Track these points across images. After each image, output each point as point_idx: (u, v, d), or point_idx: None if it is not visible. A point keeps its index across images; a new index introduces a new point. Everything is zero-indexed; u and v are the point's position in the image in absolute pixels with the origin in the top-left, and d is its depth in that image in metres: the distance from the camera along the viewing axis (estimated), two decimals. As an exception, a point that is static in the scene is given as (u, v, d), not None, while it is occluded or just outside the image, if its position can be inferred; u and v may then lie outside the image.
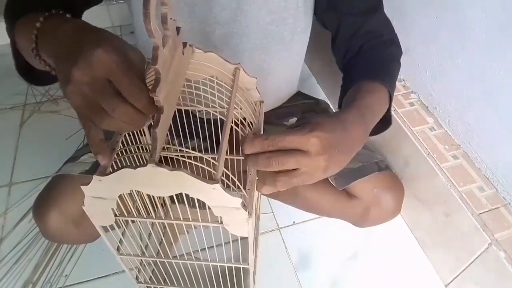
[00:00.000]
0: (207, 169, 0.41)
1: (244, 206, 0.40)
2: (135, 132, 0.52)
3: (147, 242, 0.66)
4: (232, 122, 0.51)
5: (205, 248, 0.52)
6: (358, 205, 0.76)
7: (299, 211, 0.85)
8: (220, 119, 0.59)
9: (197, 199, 0.40)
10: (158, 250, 0.55)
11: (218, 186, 0.38)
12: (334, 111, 1.05)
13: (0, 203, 0.91)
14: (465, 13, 0.66)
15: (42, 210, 0.69)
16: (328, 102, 1.04)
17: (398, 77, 0.87)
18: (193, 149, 0.63)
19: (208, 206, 0.41)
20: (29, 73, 0.54)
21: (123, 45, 0.39)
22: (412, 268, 0.79)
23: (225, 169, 0.43)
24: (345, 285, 0.77)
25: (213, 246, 0.50)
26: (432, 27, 0.74)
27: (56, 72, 0.40)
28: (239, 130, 0.55)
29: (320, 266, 0.80)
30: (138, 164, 0.53)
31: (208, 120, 0.77)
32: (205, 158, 0.44)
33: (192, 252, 0.67)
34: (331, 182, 0.75)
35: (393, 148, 0.85)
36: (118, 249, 0.53)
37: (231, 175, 0.46)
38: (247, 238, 0.45)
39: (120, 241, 0.53)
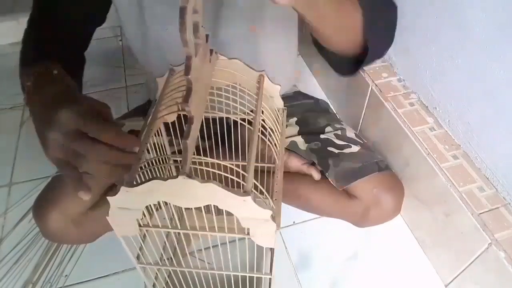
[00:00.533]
0: (230, 178, 0.41)
1: (273, 218, 0.40)
2: (156, 142, 0.52)
3: (162, 250, 0.66)
4: (238, 122, 0.51)
5: (217, 245, 0.51)
6: (358, 205, 0.76)
7: (299, 211, 0.85)
8: (220, 118, 0.59)
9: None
10: (171, 258, 0.54)
11: (249, 198, 0.38)
12: (334, 111, 1.05)
13: (0, 203, 0.91)
14: (465, 13, 0.66)
15: (42, 210, 0.69)
16: (328, 102, 1.04)
17: (399, 77, 0.87)
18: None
19: (226, 213, 0.40)
20: None
21: (87, 100, 0.46)
22: (412, 268, 0.79)
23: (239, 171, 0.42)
24: (345, 285, 0.77)
25: (227, 252, 0.50)
26: (432, 27, 0.74)
27: (37, 134, 0.48)
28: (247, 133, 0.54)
29: (320, 266, 0.80)
30: (161, 175, 0.52)
31: (207, 120, 0.77)
32: (227, 166, 0.43)
33: (203, 249, 0.66)
34: (331, 182, 0.75)
35: (393, 148, 0.85)
36: (138, 257, 0.52)
37: (259, 186, 0.46)
38: (263, 247, 0.44)
39: (140, 249, 0.52)
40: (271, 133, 0.52)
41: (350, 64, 0.65)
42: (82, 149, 0.42)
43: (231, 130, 0.73)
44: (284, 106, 0.87)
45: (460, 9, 0.67)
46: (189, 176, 0.37)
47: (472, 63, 0.67)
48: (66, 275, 0.79)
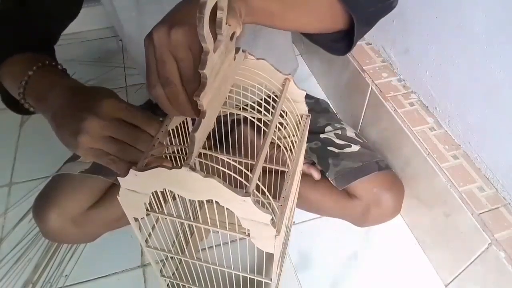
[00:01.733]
0: (238, 179, 0.41)
1: (273, 223, 0.40)
2: (183, 131, 0.52)
3: (174, 240, 0.66)
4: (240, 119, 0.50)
5: (227, 242, 0.51)
6: (358, 205, 0.76)
7: (299, 211, 0.85)
8: (224, 117, 0.59)
9: None
10: (184, 249, 0.55)
11: (249, 199, 0.37)
12: (334, 111, 1.05)
13: (0, 203, 0.91)
14: (465, 13, 0.66)
15: (42, 210, 0.69)
16: (328, 102, 1.04)
17: (398, 77, 0.87)
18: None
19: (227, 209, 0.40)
20: (15, 103, 0.56)
21: (116, 94, 0.46)
22: (412, 268, 0.79)
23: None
24: (345, 285, 0.77)
25: (237, 251, 0.50)
26: (432, 27, 0.74)
27: (57, 129, 0.45)
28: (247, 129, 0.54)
29: (320, 266, 0.80)
30: (180, 164, 0.53)
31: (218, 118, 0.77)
32: (237, 167, 0.43)
33: (214, 246, 0.66)
34: (332, 182, 0.75)
35: (393, 148, 0.85)
36: (146, 241, 0.54)
37: (266, 190, 0.45)
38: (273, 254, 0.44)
39: (149, 234, 0.54)
40: (287, 137, 0.51)
41: (342, 41, 0.61)
42: (133, 140, 0.43)
43: (234, 129, 0.73)
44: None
45: (460, 9, 0.67)
46: (192, 168, 0.37)
47: (472, 63, 0.67)
48: (66, 275, 0.79)
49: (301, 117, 0.55)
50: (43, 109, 0.48)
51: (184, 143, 0.53)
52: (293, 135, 0.52)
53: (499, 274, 0.63)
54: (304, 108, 0.54)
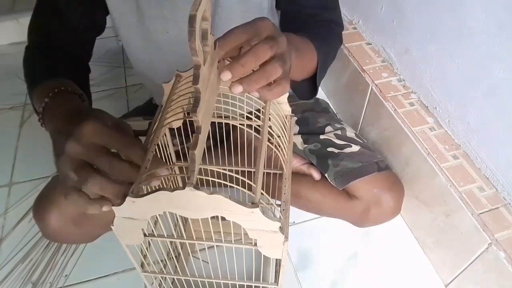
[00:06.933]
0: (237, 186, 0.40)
1: (281, 229, 0.39)
2: (161, 149, 0.50)
3: (165, 257, 0.66)
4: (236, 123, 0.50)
5: (221, 244, 0.50)
6: (358, 205, 0.76)
7: (299, 211, 0.85)
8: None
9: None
10: (176, 264, 0.54)
11: (257, 210, 0.37)
12: (334, 110, 1.05)
13: (0, 203, 0.91)
14: (465, 13, 0.66)
15: (42, 210, 0.69)
16: (328, 102, 1.04)
17: (399, 77, 0.87)
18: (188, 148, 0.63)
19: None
20: None
21: (110, 117, 0.45)
22: (412, 268, 0.79)
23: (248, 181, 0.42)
24: (345, 285, 0.77)
25: (232, 257, 0.49)
26: (432, 27, 0.74)
27: (53, 146, 0.45)
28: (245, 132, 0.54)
29: (320, 266, 0.80)
30: (166, 183, 0.52)
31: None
32: (234, 177, 0.42)
33: (206, 249, 0.66)
34: (331, 182, 0.75)
35: (393, 148, 0.85)
36: (142, 265, 0.52)
37: (270, 198, 0.45)
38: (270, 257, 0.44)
39: (145, 257, 0.52)
40: (278, 139, 0.51)
41: (306, 88, 0.72)
42: (108, 167, 0.40)
43: (230, 131, 0.73)
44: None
45: (460, 9, 0.67)
46: (196, 187, 0.36)
47: (472, 63, 0.67)
48: (66, 275, 0.79)
49: (286, 117, 0.55)
50: (48, 128, 0.51)
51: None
52: (283, 137, 0.52)
53: (499, 274, 0.63)
54: (287, 109, 0.54)
